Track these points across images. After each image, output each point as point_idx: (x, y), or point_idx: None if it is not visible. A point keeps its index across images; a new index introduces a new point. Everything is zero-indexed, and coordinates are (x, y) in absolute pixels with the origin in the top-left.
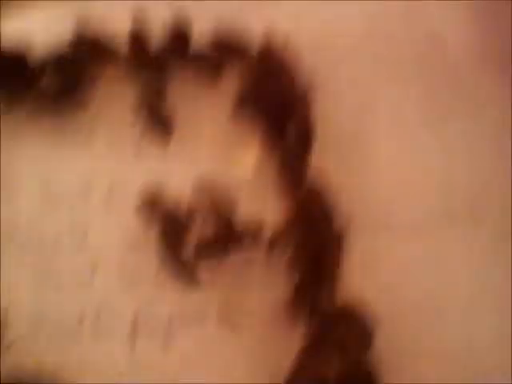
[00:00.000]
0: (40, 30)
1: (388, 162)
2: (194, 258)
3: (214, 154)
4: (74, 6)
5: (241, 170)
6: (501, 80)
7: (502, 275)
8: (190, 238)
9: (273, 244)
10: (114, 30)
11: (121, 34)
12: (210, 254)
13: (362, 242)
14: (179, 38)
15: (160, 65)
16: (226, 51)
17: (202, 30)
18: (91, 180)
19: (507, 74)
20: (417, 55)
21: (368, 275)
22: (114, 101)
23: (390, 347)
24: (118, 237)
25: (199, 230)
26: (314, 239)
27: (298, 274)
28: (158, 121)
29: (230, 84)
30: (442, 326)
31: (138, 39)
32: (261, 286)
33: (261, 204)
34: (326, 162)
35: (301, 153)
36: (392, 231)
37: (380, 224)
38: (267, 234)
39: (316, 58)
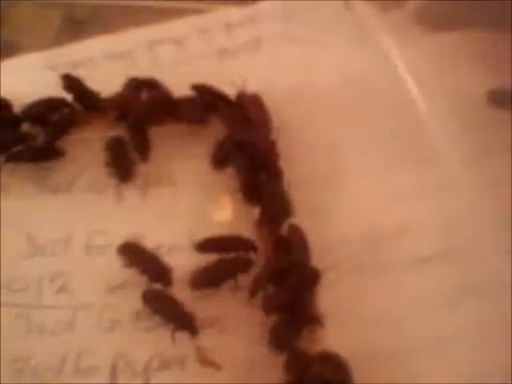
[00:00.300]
0: (22, 79)
1: (359, 203)
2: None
3: (194, 199)
4: (57, 55)
5: (220, 213)
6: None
7: (475, 315)
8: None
9: (255, 284)
10: (97, 79)
11: (103, 83)
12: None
13: (332, 281)
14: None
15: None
16: (205, 103)
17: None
18: (73, 226)
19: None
20: (387, 102)
21: (340, 314)
22: (95, 148)
23: None
24: (98, 281)
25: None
26: (292, 279)
27: (276, 314)
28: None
29: (208, 133)
30: (417, 366)
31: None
32: (240, 325)
33: None
34: (300, 202)
35: (276, 195)
36: (363, 271)
37: (352, 263)
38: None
39: (291, 104)
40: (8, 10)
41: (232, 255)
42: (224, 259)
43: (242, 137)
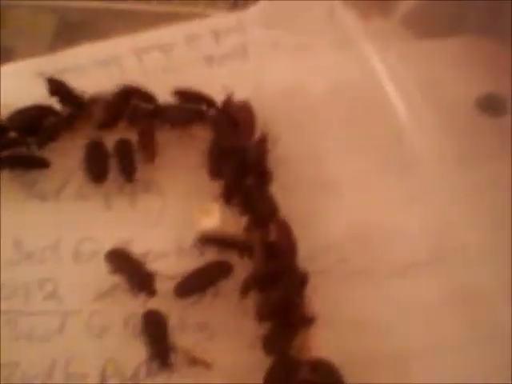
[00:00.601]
0: (11, 87)
1: (348, 208)
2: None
3: (182, 206)
4: (47, 62)
5: (208, 220)
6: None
7: (466, 319)
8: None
9: (245, 287)
10: (86, 86)
11: (92, 90)
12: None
13: (322, 286)
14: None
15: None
16: (191, 108)
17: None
18: (61, 232)
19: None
20: (374, 108)
21: (329, 319)
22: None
23: None
24: (87, 288)
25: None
26: (281, 285)
27: (269, 321)
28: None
29: (197, 140)
30: (408, 370)
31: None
32: (229, 330)
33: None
34: (289, 206)
35: (263, 201)
36: (352, 275)
37: (341, 268)
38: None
39: (279, 110)
40: (3, 15)
41: (211, 261)
42: (204, 267)
43: (230, 141)
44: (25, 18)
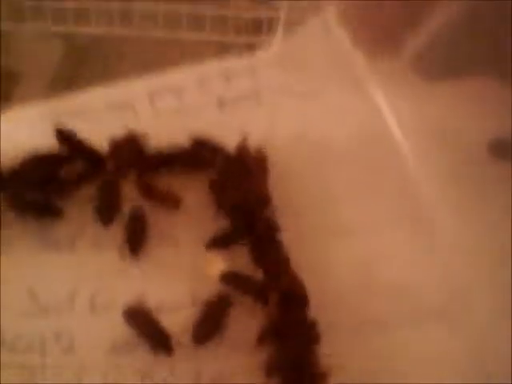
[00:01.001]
0: (20, 131)
1: (360, 258)
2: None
3: (196, 256)
4: (57, 106)
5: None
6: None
7: (476, 376)
8: None
9: (260, 340)
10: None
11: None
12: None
13: (333, 338)
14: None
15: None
16: (201, 154)
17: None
18: (76, 285)
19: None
20: (384, 155)
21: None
22: None
23: None
24: (103, 341)
25: None
26: (293, 341)
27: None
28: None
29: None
30: None
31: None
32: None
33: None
34: (298, 256)
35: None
36: (363, 327)
37: (351, 319)
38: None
39: (290, 155)
40: (10, 40)
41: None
42: (205, 309)
43: (239, 191)
44: (31, 44)
